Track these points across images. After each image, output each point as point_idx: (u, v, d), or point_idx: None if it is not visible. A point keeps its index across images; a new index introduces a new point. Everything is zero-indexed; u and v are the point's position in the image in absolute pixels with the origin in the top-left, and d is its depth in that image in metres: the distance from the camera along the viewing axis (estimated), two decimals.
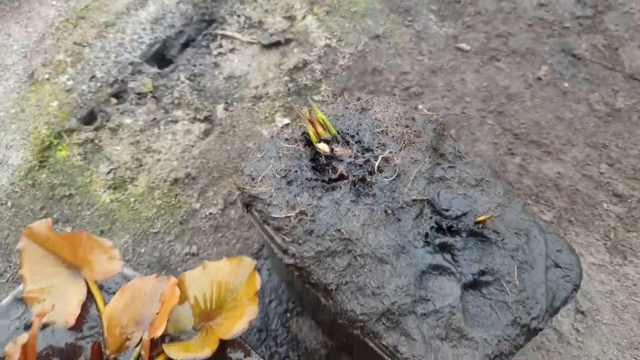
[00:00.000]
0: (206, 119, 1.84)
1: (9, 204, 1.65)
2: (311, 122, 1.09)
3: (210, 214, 1.60)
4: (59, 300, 0.90)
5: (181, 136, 1.80)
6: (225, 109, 1.86)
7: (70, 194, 1.67)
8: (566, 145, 1.78)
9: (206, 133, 1.81)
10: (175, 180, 1.67)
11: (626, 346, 1.26)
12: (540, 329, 0.89)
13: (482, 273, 0.93)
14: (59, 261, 0.94)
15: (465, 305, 0.90)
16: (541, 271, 0.94)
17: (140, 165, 1.73)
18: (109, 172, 1.71)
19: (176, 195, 1.65)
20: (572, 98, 1.92)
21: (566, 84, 1.96)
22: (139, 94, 1.93)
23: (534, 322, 0.88)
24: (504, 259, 0.94)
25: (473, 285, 0.93)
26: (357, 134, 1.11)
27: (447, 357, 0.84)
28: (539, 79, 1.99)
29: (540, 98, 1.93)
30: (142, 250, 1.53)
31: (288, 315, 1.35)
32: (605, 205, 1.60)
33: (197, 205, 1.62)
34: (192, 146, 1.77)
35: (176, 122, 1.84)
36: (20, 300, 0.93)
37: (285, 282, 1.23)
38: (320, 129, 1.09)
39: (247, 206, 1.05)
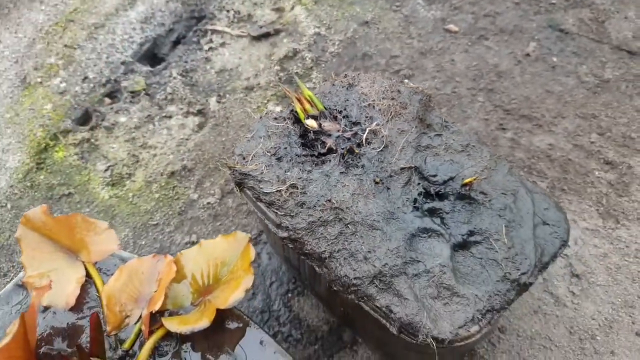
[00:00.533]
0: (200, 112, 1.86)
1: (9, 205, 1.68)
2: (298, 99, 1.11)
3: (208, 203, 1.62)
4: (58, 283, 0.92)
5: (176, 130, 1.83)
6: (218, 102, 1.89)
7: (70, 193, 1.69)
8: (557, 117, 1.80)
9: (200, 126, 1.83)
10: (172, 173, 1.70)
11: (620, 305, 1.27)
12: (530, 284, 0.90)
13: (471, 233, 0.95)
14: (57, 246, 0.96)
15: (456, 265, 0.92)
16: (529, 229, 0.95)
17: (137, 161, 1.76)
18: (106, 170, 1.74)
19: (174, 187, 1.67)
20: (561, 72, 1.93)
21: (555, 59, 1.97)
22: (132, 92, 1.95)
23: (523, 277, 0.90)
24: (491, 219, 0.96)
25: (462, 246, 0.94)
26: (345, 109, 1.13)
27: (439, 315, 0.86)
28: (528, 55, 2.00)
29: (530, 74, 1.94)
30: (143, 242, 1.56)
31: (289, 295, 1.37)
32: (596, 172, 1.61)
33: (195, 196, 1.64)
34: (187, 139, 1.79)
35: (170, 117, 1.87)
36: (21, 286, 0.95)
37: (283, 258, 1.25)
38: (307, 106, 1.11)
39: (240, 185, 1.07)
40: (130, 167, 1.73)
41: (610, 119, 1.75)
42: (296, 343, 1.30)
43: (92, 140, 1.82)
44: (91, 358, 0.77)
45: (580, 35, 2.04)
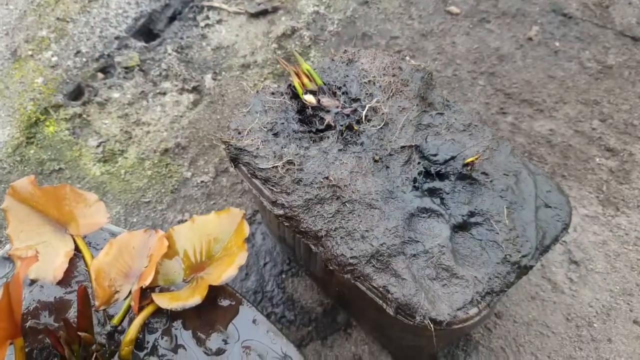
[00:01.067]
0: (195, 90, 1.82)
1: None
2: (296, 73, 1.07)
3: (202, 182, 1.59)
4: (46, 256, 0.89)
5: (170, 107, 1.78)
6: (214, 79, 1.85)
7: (60, 169, 1.66)
8: (558, 103, 1.77)
9: (195, 103, 1.79)
10: (166, 151, 1.66)
11: (619, 292, 1.26)
12: (531, 267, 0.88)
13: (472, 214, 0.92)
14: (45, 219, 0.93)
15: (455, 247, 0.90)
16: (531, 211, 0.93)
17: (130, 138, 1.72)
18: (98, 146, 1.70)
19: (167, 165, 1.63)
20: (563, 57, 1.90)
21: (557, 44, 1.94)
22: (126, 68, 1.91)
23: (524, 259, 0.88)
24: (493, 200, 0.93)
25: (462, 227, 0.92)
26: (344, 85, 1.10)
27: (438, 296, 0.83)
28: (530, 39, 1.97)
29: (532, 58, 1.91)
30: (135, 220, 1.52)
31: (283, 276, 1.35)
32: (597, 159, 1.59)
33: (189, 174, 1.61)
34: (182, 117, 1.75)
35: (164, 94, 1.83)
36: (7, 258, 0.92)
37: (278, 237, 1.22)
38: (306, 80, 1.07)
39: (235, 160, 1.03)
40: (123, 143, 1.70)
41: (612, 106, 1.72)
42: (289, 324, 1.28)
43: (84, 115, 1.77)
44: (79, 332, 0.74)
45: (584, 20, 2.00)
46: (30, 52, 1.93)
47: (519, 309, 1.24)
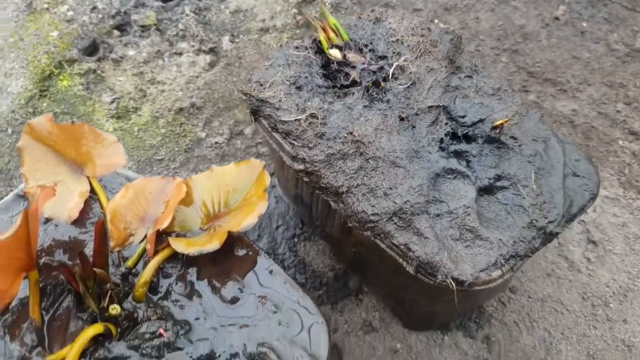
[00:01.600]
0: (211, 51, 1.79)
1: (9, 130, 1.62)
2: (322, 27, 1.04)
3: (216, 143, 1.56)
4: (61, 196, 0.87)
5: (186, 68, 1.75)
6: (231, 41, 1.81)
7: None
8: (582, 84, 1.73)
9: (211, 65, 1.76)
10: (180, 110, 1.63)
11: (637, 274, 1.24)
12: (557, 234, 0.86)
13: (498, 178, 0.90)
14: (61, 159, 0.91)
15: (480, 210, 0.87)
16: (559, 178, 0.90)
17: (144, 96, 1.69)
18: (112, 102, 1.67)
19: (181, 124, 1.61)
20: (590, 38, 1.86)
21: (584, 24, 1.89)
22: (142, 26, 1.87)
23: (550, 225, 0.85)
24: (520, 164, 0.91)
25: (488, 190, 0.89)
26: (371, 42, 1.07)
27: (461, 257, 0.81)
28: (557, 18, 1.92)
29: (557, 37, 1.86)
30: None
31: (295, 240, 1.33)
32: (620, 142, 1.56)
33: (203, 135, 1.58)
34: (197, 77, 1.72)
35: (181, 54, 1.79)
36: (22, 196, 0.90)
37: (294, 197, 1.20)
38: (332, 35, 1.04)
39: (255, 113, 1.01)
40: (137, 101, 1.67)
41: (638, 89, 1.68)
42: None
43: (99, 71, 1.75)
44: (94, 269, 0.72)
45: (613, 2, 1.95)
46: (45, 5, 1.89)
47: (534, 285, 1.22)
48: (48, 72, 1.73)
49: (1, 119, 1.64)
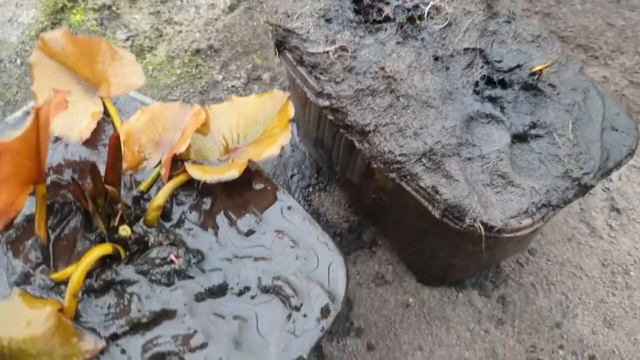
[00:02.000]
0: None
1: (18, 61, 1.57)
2: None
3: (233, 86, 1.51)
4: (73, 115, 0.83)
5: (205, 9, 1.69)
6: None
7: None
8: (615, 52, 1.66)
9: (232, 8, 1.69)
10: (197, 51, 1.58)
11: None
12: (592, 186, 0.82)
13: (533, 126, 0.85)
14: (75, 77, 0.86)
15: (513, 158, 0.83)
16: (597, 130, 0.85)
17: (160, 36, 1.63)
18: (126, 39, 1.62)
19: (197, 65, 1.56)
20: (626, 5, 1.77)
21: None
22: None
23: (585, 177, 0.81)
24: (558, 113, 0.86)
25: (522, 138, 0.85)
26: None
27: (491, 202, 0.77)
28: None
29: (592, 3, 1.78)
30: None
31: (310, 189, 1.30)
32: None
33: (219, 77, 1.53)
34: (216, 20, 1.66)
35: None
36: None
37: (313, 141, 1.16)
38: None
39: (280, 45, 0.96)
40: (153, 40, 1.61)
41: None
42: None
43: (114, 8, 1.68)
44: (106, 186, 0.69)
45: None
46: None
47: (554, 249, 1.19)
48: (61, 4, 1.67)
49: (10, 50, 1.59)
